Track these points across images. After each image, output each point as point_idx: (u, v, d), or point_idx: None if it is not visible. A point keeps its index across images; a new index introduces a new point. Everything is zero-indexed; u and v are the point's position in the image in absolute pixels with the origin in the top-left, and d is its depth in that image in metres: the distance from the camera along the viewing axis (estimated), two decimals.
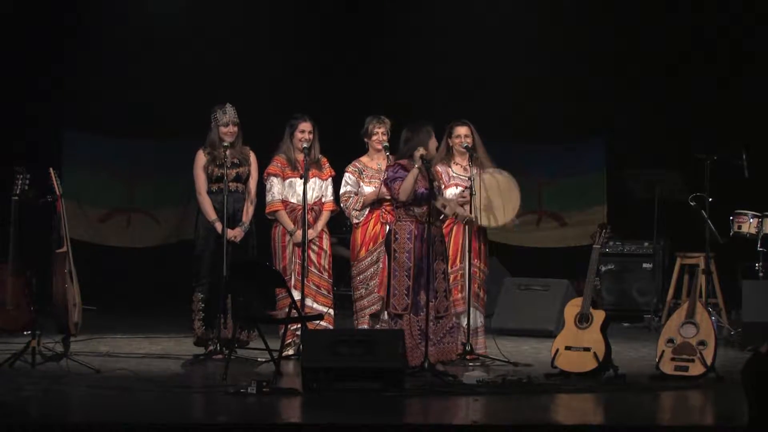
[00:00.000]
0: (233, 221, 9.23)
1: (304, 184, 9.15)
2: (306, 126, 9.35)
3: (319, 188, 9.39)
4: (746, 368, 4.81)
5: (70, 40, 12.82)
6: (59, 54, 12.79)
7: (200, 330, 9.21)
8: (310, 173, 9.26)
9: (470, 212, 8.96)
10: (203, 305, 9.23)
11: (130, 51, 12.90)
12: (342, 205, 9.33)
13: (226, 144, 9.21)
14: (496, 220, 9.11)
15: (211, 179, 9.29)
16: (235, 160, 9.29)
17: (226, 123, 9.26)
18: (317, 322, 8.88)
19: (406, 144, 8.54)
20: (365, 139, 9.37)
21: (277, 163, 9.38)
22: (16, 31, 12.58)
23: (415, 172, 8.38)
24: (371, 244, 9.19)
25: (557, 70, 12.85)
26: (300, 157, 9.31)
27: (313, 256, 9.31)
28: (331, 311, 9.35)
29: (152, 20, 12.90)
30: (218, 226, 9.17)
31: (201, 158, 9.32)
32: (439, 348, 8.46)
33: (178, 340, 9.97)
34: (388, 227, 9.06)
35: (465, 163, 9.16)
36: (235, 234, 9.20)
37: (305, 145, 9.26)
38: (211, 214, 9.23)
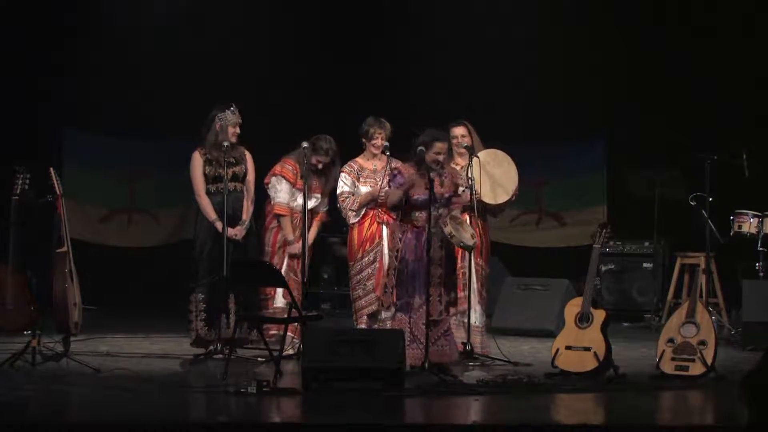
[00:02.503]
0: (233, 220, 9.24)
1: (305, 185, 9.16)
2: (323, 160, 9.37)
3: (316, 201, 9.42)
4: (747, 380, 4.77)
5: (70, 40, 12.83)
6: (59, 54, 12.79)
7: (203, 330, 9.21)
8: (313, 188, 9.30)
9: (473, 211, 8.98)
10: (204, 305, 9.23)
11: (130, 51, 12.90)
12: (339, 204, 9.31)
13: (227, 144, 9.22)
14: (506, 192, 9.14)
15: (208, 180, 9.30)
16: (231, 159, 9.30)
17: (235, 123, 9.28)
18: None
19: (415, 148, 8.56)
20: (363, 140, 9.35)
21: (292, 169, 9.38)
22: (16, 30, 12.58)
23: (399, 193, 8.38)
24: (368, 244, 9.18)
25: (557, 70, 12.85)
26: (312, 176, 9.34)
27: (294, 264, 9.33)
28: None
29: (152, 20, 12.91)
30: (219, 226, 9.18)
31: (198, 160, 9.33)
32: (434, 350, 8.43)
33: (178, 340, 9.96)
34: (384, 227, 9.07)
35: (465, 162, 9.16)
36: (236, 232, 9.21)
37: (319, 167, 9.30)
38: (211, 213, 9.24)
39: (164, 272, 12.35)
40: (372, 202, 9.19)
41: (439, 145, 8.49)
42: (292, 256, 9.33)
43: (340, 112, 11.84)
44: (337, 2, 13.23)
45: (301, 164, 9.29)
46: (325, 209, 9.56)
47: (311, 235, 9.41)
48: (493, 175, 9.18)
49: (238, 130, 9.30)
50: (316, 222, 9.49)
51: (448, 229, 8.32)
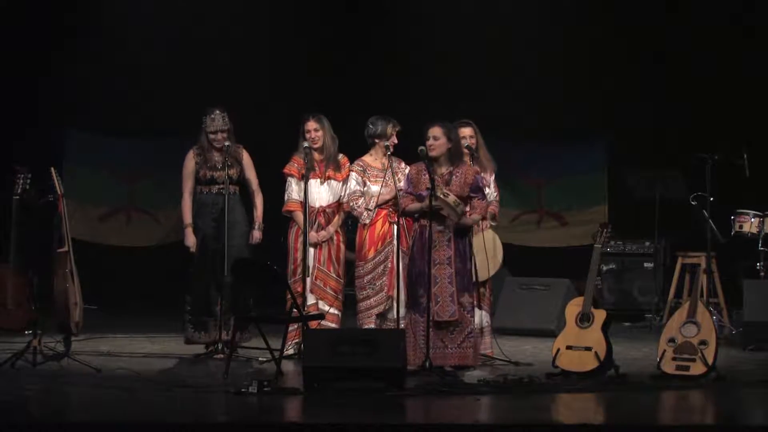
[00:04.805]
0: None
1: (305, 182, 9.14)
2: (310, 125, 9.33)
3: (335, 190, 9.36)
4: None
5: (70, 40, 12.82)
6: (59, 54, 12.79)
7: (189, 332, 9.27)
8: (327, 173, 9.26)
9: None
10: (189, 308, 9.26)
11: (130, 51, 12.90)
12: (351, 203, 9.25)
13: (228, 144, 9.22)
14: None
15: (201, 182, 9.31)
16: (228, 162, 9.30)
17: (214, 131, 9.28)
18: (320, 321, 8.87)
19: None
20: (375, 140, 9.25)
21: (294, 163, 9.36)
22: (16, 30, 12.58)
23: (419, 206, 8.46)
24: (379, 243, 9.14)
25: (557, 70, 12.84)
26: (316, 156, 9.28)
27: (332, 253, 9.29)
28: (338, 312, 9.34)
29: (152, 20, 12.91)
30: (187, 232, 9.20)
31: (190, 161, 9.36)
32: (459, 352, 8.44)
33: (178, 340, 9.96)
34: (396, 227, 9.03)
35: (468, 162, 9.16)
36: (257, 237, 9.30)
37: (316, 145, 9.23)
38: (187, 218, 9.29)
39: (164, 272, 12.35)
40: (388, 202, 9.15)
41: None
42: (310, 246, 9.28)
43: (341, 112, 11.82)
44: (337, 2, 13.23)
45: (304, 161, 9.27)
46: (348, 199, 9.45)
47: (332, 226, 9.33)
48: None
49: (221, 137, 9.26)
50: (342, 211, 9.40)
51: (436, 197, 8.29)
